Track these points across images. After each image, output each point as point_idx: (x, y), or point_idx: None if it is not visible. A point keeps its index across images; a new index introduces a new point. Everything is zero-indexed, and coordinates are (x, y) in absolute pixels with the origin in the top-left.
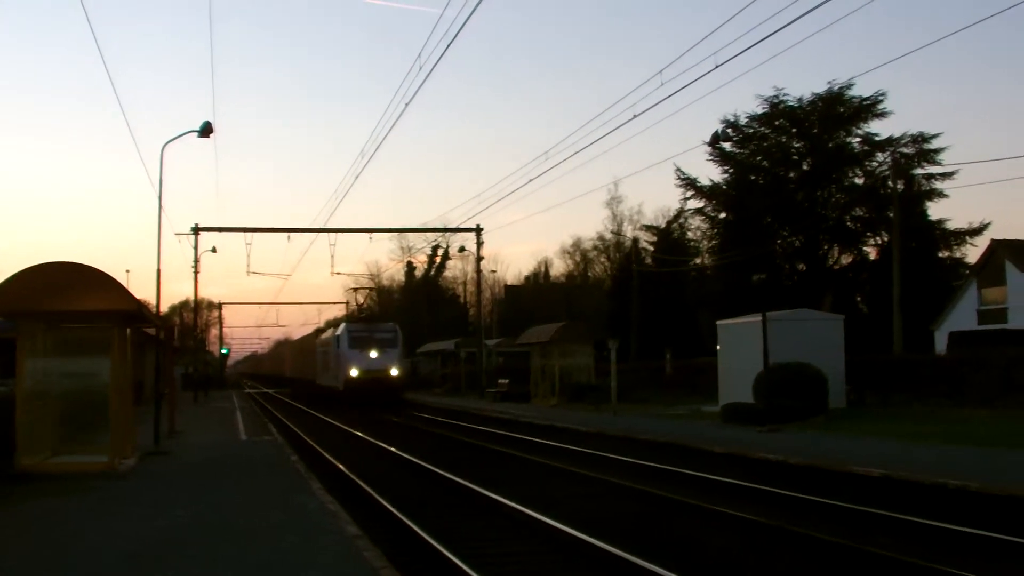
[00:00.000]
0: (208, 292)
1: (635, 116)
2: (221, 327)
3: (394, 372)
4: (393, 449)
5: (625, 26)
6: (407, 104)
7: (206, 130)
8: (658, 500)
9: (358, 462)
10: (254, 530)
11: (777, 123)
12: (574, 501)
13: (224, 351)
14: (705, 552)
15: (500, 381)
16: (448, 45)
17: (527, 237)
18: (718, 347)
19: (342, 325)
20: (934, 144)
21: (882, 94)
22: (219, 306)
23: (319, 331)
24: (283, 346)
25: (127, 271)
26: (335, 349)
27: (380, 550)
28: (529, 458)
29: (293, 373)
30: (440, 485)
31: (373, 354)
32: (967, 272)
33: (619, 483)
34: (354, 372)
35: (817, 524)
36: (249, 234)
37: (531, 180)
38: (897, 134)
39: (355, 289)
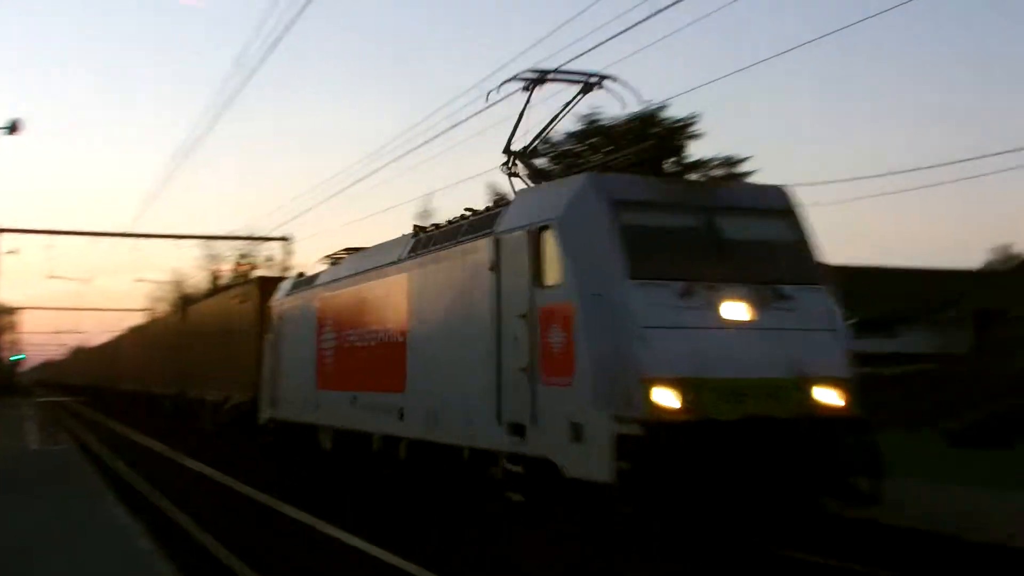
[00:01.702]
0: (6, 295)
1: (453, 126)
2: (13, 332)
3: (828, 395)
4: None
5: (452, 38)
6: (224, 108)
7: (14, 127)
8: None
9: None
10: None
11: (591, 141)
12: None
13: (17, 357)
14: None
15: None
16: (268, 50)
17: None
18: None
19: (578, 178)
20: (744, 167)
21: (695, 116)
22: (11, 311)
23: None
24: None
25: None
26: (532, 298)
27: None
28: None
29: (162, 385)
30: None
31: (737, 311)
32: None
33: None
34: (667, 398)
35: None
36: (51, 236)
37: (344, 189)
38: (708, 156)
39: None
